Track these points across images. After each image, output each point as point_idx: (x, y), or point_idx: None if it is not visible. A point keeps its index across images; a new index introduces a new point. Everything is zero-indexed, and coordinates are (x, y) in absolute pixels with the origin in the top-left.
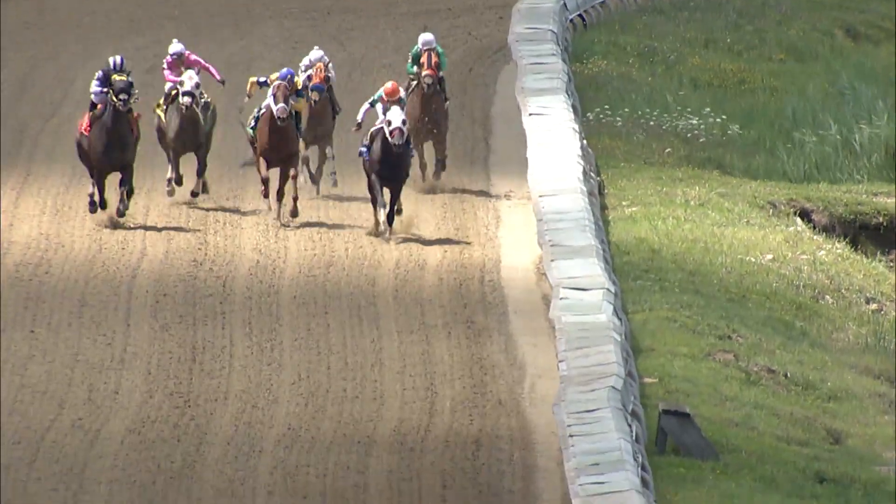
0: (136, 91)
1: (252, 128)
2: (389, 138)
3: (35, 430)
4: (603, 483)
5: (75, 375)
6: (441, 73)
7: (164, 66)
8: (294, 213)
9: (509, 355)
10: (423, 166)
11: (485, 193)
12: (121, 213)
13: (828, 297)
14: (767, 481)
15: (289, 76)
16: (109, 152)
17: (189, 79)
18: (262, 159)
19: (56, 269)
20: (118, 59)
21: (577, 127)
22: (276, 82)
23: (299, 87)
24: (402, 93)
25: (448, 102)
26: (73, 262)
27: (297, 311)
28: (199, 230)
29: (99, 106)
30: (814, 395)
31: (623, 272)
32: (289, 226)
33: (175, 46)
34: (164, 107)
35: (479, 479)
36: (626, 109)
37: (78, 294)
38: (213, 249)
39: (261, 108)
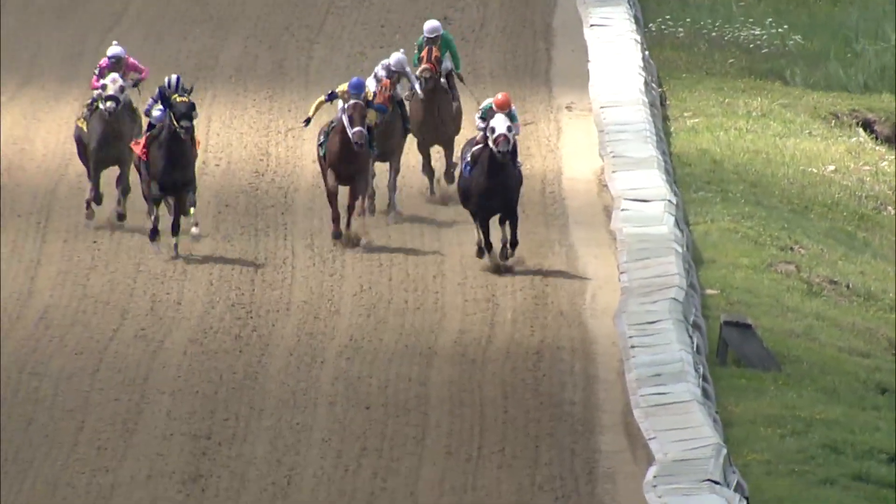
0: (197, 113)
1: (321, 144)
2: (493, 146)
3: (98, 340)
4: (664, 394)
5: (137, 286)
6: (449, 67)
7: (97, 71)
8: (361, 232)
9: (570, 266)
10: (429, 174)
11: (546, 105)
12: (196, 236)
13: (890, 207)
14: (829, 392)
15: (363, 91)
16: (170, 174)
17: (112, 82)
18: (330, 174)
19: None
20: (174, 78)
21: (638, 38)
22: (351, 101)
23: (370, 98)
24: (513, 106)
25: (457, 103)
26: (133, 174)
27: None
28: (260, 141)
29: (157, 126)
30: (876, 306)
31: (684, 183)
32: (357, 245)
33: (113, 49)
34: (87, 115)
35: (540, 390)
36: (688, 20)
37: (140, 205)
38: (275, 161)
39: (332, 123)
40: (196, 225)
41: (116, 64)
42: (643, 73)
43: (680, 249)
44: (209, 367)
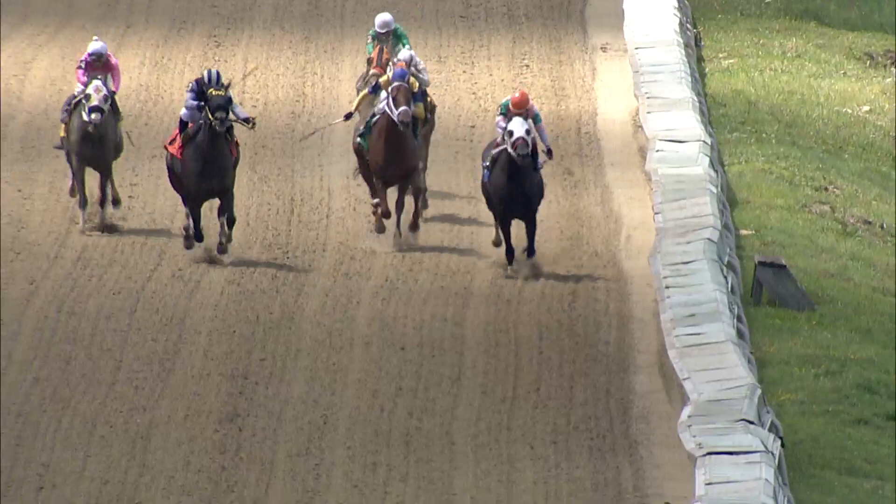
0: (235, 108)
1: (361, 135)
2: (512, 150)
3: (135, 280)
4: (699, 334)
5: (175, 226)
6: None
7: (81, 65)
8: (415, 227)
9: (605, 207)
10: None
11: (581, 46)
12: (222, 250)
13: None
14: (863, 332)
15: (406, 76)
16: (206, 178)
17: (96, 91)
18: (376, 179)
19: (155, 121)
20: (214, 71)
21: None
22: (395, 84)
23: (416, 90)
24: (533, 105)
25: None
26: (172, 114)
27: None
28: (296, 83)
29: (191, 125)
30: None
31: (719, 124)
32: (404, 247)
33: (94, 45)
34: (65, 117)
35: (575, 330)
36: None
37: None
38: (311, 101)
39: (374, 115)
40: (227, 241)
41: (97, 60)
42: (678, 14)
43: (714, 190)
44: (246, 307)
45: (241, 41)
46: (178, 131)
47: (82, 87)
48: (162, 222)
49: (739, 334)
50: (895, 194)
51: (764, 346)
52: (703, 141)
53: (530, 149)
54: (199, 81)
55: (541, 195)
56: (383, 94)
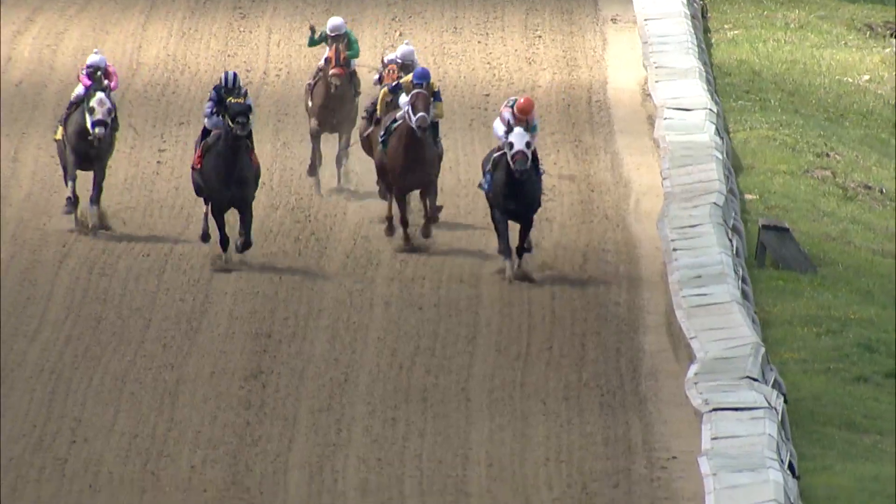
0: (255, 113)
1: (383, 140)
2: (511, 163)
3: (164, 242)
4: (705, 295)
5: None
6: (353, 66)
7: (84, 71)
8: (427, 234)
9: (615, 173)
10: (318, 159)
11: (592, 18)
12: (239, 249)
13: None
14: (863, 293)
15: (427, 80)
16: (227, 185)
17: (100, 104)
18: (393, 186)
19: (182, 90)
20: (230, 74)
21: None
22: (414, 91)
23: (436, 90)
24: (534, 115)
25: (358, 97)
26: (199, 83)
27: None
28: (318, 52)
29: (213, 132)
30: None
31: (725, 93)
32: (420, 249)
33: (93, 58)
34: (64, 119)
35: (586, 291)
36: None
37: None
38: None
39: (395, 121)
40: (244, 248)
41: (95, 72)
42: None
43: (720, 156)
44: (270, 268)
45: (265, 13)
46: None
47: (84, 89)
48: (189, 188)
49: (744, 295)
50: (895, 160)
51: (767, 307)
52: (710, 109)
53: (529, 162)
54: (217, 88)
55: (540, 197)
56: (403, 96)
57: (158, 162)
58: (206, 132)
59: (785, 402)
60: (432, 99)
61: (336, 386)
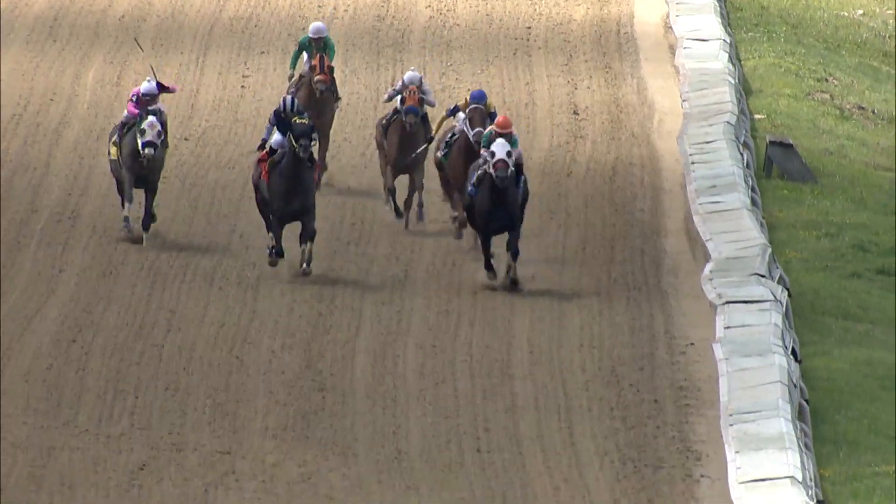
0: (316, 135)
1: (444, 154)
2: (493, 171)
3: (247, 156)
4: (719, 202)
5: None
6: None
7: (133, 99)
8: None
9: (641, 95)
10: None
11: None
12: (306, 272)
13: None
14: (857, 201)
15: (485, 100)
16: (289, 201)
17: (150, 127)
18: (456, 193)
19: (263, 24)
20: (289, 99)
21: None
22: (472, 106)
23: (492, 110)
24: (514, 130)
25: (339, 102)
26: (278, 17)
27: (463, 57)
28: None
29: (278, 151)
30: None
31: (736, 25)
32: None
33: (147, 86)
34: (118, 140)
35: (615, 199)
36: None
37: (283, 40)
38: (394, 7)
39: (453, 135)
40: (308, 264)
41: (151, 100)
42: None
43: (732, 81)
44: (339, 180)
45: None
46: (265, 154)
47: (131, 115)
48: (269, 109)
49: (753, 202)
50: (884, 84)
51: (774, 213)
52: (723, 40)
53: (510, 171)
54: (276, 112)
55: (524, 204)
56: (461, 114)
57: (242, 87)
58: (272, 150)
59: (789, 295)
60: (489, 119)
61: (397, 282)
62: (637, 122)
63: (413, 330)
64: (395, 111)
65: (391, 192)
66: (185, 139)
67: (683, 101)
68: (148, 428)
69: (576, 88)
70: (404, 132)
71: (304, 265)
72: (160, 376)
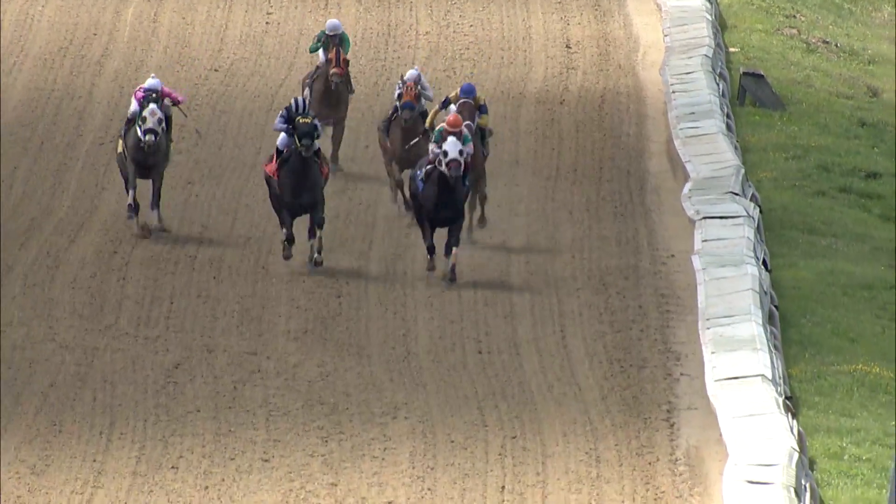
0: (321, 132)
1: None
2: (446, 170)
3: (270, 87)
4: (697, 127)
5: (301, 46)
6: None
7: (138, 91)
8: (483, 222)
9: (627, 30)
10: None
11: None
12: (318, 262)
13: None
14: (822, 126)
15: (473, 94)
16: (298, 195)
17: (151, 115)
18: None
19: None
20: (300, 100)
21: None
22: (461, 100)
23: (482, 103)
24: (464, 129)
25: (353, 94)
26: None
27: None
28: None
29: (285, 150)
30: (857, 60)
31: None
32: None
33: (151, 82)
34: (123, 133)
35: (603, 125)
36: None
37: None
38: None
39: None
40: (319, 252)
41: (152, 94)
42: None
43: (709, 17)
44: (353, 108)
45: None
46: (274, 162)
47: (137, 107)
48: (290, 43)
49: (728, 128)
50: (846, 20)
51: (747, 137)
52: None
53: (462, 169)
54: (288, 109)
55: (466, 199)
56: (452, 107)
57: (267, 23)
58: (279, 150)
59: (760, 211)
60: (478, 111)
61: (406, 203)
62: (623, 55)
63: (420, 243)
64: (395, 109)
65: (399, 184)
66: (216, 70)
67: (665, 35)
68: (182, 331)
69: (568, 24)
70: (405, 127)
71: (316, 254)
72: (193, 284)
